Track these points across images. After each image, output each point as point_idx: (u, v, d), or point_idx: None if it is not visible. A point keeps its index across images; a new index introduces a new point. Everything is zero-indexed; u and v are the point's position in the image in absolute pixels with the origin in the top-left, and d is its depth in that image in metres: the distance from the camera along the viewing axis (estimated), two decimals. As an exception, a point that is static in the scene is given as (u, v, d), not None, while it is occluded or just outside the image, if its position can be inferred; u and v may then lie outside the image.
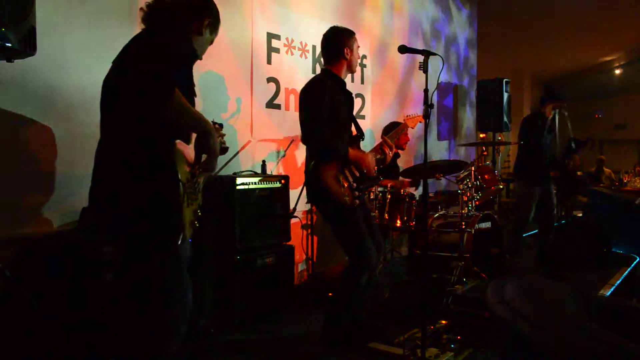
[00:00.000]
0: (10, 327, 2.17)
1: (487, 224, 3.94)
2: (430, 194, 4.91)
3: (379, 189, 3.78)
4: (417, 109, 5.46)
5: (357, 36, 2.91)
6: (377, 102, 5.17)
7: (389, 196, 3.73)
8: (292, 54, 4.18)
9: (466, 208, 3.76)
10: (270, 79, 3.98)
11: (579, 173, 8.04)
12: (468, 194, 3.79)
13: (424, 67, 2.52)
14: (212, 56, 3.40)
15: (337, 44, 2.83)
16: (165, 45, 1.61)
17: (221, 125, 2.03)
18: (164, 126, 1.60)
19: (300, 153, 3.97)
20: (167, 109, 1.50)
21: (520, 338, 1.30)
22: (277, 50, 4.04)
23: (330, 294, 3.34)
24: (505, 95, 6.65)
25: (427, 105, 2.49)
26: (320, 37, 2.91)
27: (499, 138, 6.84)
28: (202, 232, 1.82)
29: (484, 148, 6.60)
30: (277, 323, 3.20)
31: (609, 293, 3.94)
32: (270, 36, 3.98)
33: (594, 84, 13.58)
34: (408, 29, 5.77)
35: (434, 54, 2.55)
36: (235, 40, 3.68)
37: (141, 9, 1.75)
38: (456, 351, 2.70)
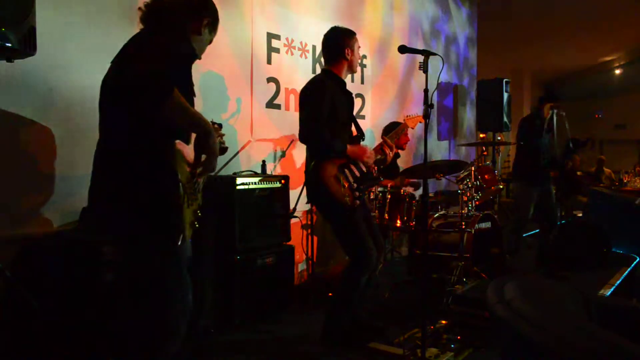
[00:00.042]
0: (10, 327, 2.17)
1: (487, 224, 3.94)
2: (430, 194, 4.92)
3: (379, 189, 3.78)
4: (417, 109, 5.46)
5: (357, 36, 2.91)
6: (377, 102, 5.17)
7: (389, 196, 3.73)
8: (292, 54, 4.18)
9: (466, 208, 3.76)
10: (270, 79, 3.98)
11: (579, 173, 8.04)
12: (468, 194, 3.79)
13: (424, 67, 2.52)
14: (212, 56, 3.40)
15: (338, 44, 2.83)
16: (165, 45, 1.61)
17: (220, 125, 2.03)
18: (164, 126, 1.60)
19: (300, 153, 3.97)
20: (167, 109, 1.50)
21: (520, 338, 1.30)
22: (277, 50, 4.04)
23: (330, 294, 3.34)
24: (505, 95, 6.65)
25: (427, 105, 2.49)
26: (320, 37, 2.91)
27: (499, 138, 6.84)
28: (202, 232, 1.82)
29: (484, 148, 6.60)
30: (277, 323, 3.20)
31: (609, 293, 3.94)
32: (270, 36, 3.98)
33: (594, 84, 13.58)
34: (408, 29, 5.77)
35: (434, 54, 2.55)
36: (235, 40, 3.68)
37: (139, 8, 1.75)
38: (456, 351, 2.70)
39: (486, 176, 4.05)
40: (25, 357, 2.16)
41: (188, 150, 1.73)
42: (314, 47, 4.38)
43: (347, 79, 2.94)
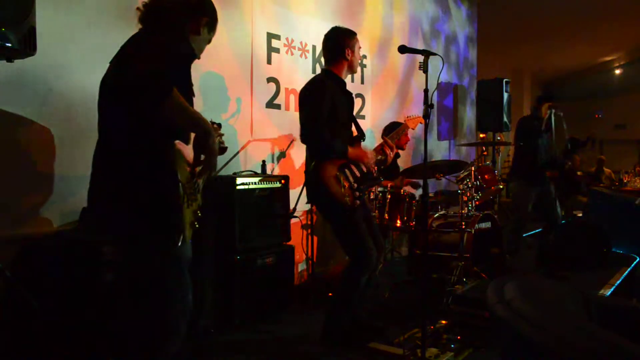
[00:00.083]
0: (10, 327, 2.17)
1: (487, 224, 3.94)
2: (430, 194, 4.92)
3: (379, 189, 3.78)
4: (417, 109, 5.46)
5: (357, 36, 2.90)
6: (377, 102, 5.17)
7: (389, 196, 3.73)
8: (292, 54, 4.18)
9: (466, 208, 3.76)
10: (270, 79, 3.98)
11: (579, 173, 8.04)
12: (468, 194, 3.79)
13: (424, 67, 2.52)
14: (212, 56, 3.41)
15: (338, 45, 2.82)
16: (164, 44, 1.61)
17: (219, 125, 2.03)
18: (163, 126, 1.60)
19: (300, 153, 3.97)
20: (166, 109, 1.50)
21: (520, 338, 1.30)
22: (277, 50, 4.04)
23: (330, 294, 3.34)
24: (505, 95, 6.65)
25: (427, 105, 2.49)
26: (320, 37, 2.91)
27: (499, 138, 6.84)
28: (202, 232, 1.82)
29: (484, 148, 6.61)
30: (277, 323, 3.20)
31: (609, 293, 3.93)
32: (270, 36, 3.98)
33: (594, 84, 13.59)
34: (408, 29, 5.77)
35: (434, 54, 2.55)
36: (235, 40, 3.68)
37: (138, 8, 1.74)
38: (456, 351, 2.70)
39: (486, 176, 4.05)
40: (25, 357, 2.16)
41: (188, 150, 1.73)
42: (314, 47, 4.38)
43: (347, 79, 2.94)
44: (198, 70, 3.32)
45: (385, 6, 5.35)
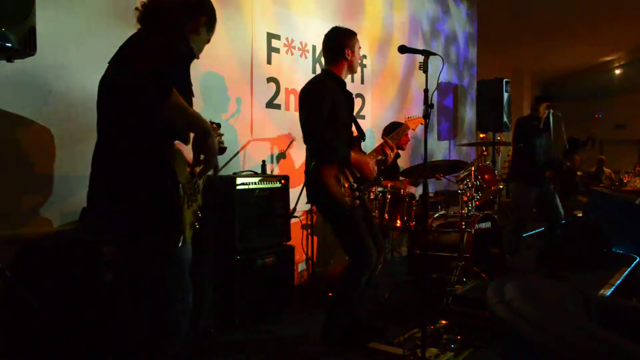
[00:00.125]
0: (10, 327, 2.17)
1: (487, 224, 3.94)
2: (430, 194, 4.92)
3: (379, 189, 3.78)
4: (418, 109, 5.47)
5: (357, 37, 2.90)
6: (377, 102, 5.17)
7: (389, 196, 3.73)
8: (292, 54, 4.18)
9: (466, 208, 3.76)
10: (270, 79, 3.98)
11: (579, 173, 8.04)
12: (468, 194, 3.79)
13: (424, 67, 2.52)
14: (212, 56, 3.42)
15: (338, 45, 2.82)
16: (163, 44, 1.60)
17: (219, 125, 2.03)
18: (163, 126, 1.59)
19: (300, 153, 3.97)
20: (165, 109, 1.50)
21: (520, 338, 1.30)
22: (277, 50, 4.04)
23: (330, 294, 3.34)
24: (505, 95, 6.65)
25: (427, 105, 2.49)
26: (320, 37, 2.91)
27: (499, 138, 6.84)
28: (202, 232, 1.82)
29: (484, 148, 6.60)
30: (277, 323, 3.20)
31: (609, 293, 3.94)
32: (270, 36, 3.98)
33: (594, 84, 13.58)
34: (408, 29, 5.77)
35: (434, 54, 2.56)
36: (235, 40, 3.68)
37: (136, 8, 1.74)
38: (456, 351, 2.70)
39: (486, 176, 4.05)
40: (25, 357, 2.16)
41: (187, 151, 1.73)
42: (314, 47, 4.38)
43: (347, 79, 2.94)
44: (198, 70, 3.31)
45: (385, 6, 5.35)
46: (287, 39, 4.12)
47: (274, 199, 3.36)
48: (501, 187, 4.35)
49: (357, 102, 4.67)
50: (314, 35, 4.29)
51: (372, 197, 3.75)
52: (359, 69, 3.74)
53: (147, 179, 1.60)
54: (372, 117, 5.05)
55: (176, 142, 1.67)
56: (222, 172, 3.35)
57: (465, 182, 3.80)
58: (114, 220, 1.67)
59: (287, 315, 3.32)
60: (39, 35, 2.12)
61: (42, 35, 2.19)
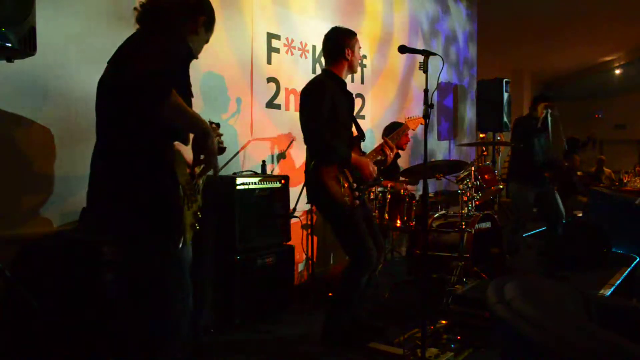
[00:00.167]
0: (10, 327, 2.17)
1: (487, 224, 3.94)
2: (430, 194, 4.92)
3: (379, 189, 3.78)
4: (418, 109, 5.47)
5: (357, 37, 2.90)
6: (377, 102, 5.17)
7: (389, 196, 3.73)
8: (292, 54, 4.18)
9: (466, 208, 3.76)
10: (270, 79, 3.98)
11: (579, 173, 8.04)
12: (468, 194, 3.79)
13: (424, 67, 2.52)
14: (212, 56, 3.42)
15: (338, 45, 2.83)
16: (163, 45, 1.60)
17: (218, 125, 2.03)
18: (163, 126, 1.59)
19: (300, 153, 3.97)
20: (165, 109, 1.50)
21: (520, 338, 1.30)
22: (277, 50, 4.04)
23: (330, 294, 3.34)
24: (505, 95, 6.65)
25: (427, 105, 2.49)
26: (320, 37, 2.91)
27: (499, 138, 6.84)
28: (202, 232, 1.82)
29: (484, 148, 6.61)
30: (277, 323, 3.20)
31: (609, 293, 3.94)
32: (270, 36, 3.98)
33: (594, 84, 13.59)
34: (408, 29, 5.77)
35: (434, 54, 2.56)
36: (235, 40, 3.68)
37: (135, 8, 1.74)
38: (456, 351, 2.70)
39: (486, 176, 4.05)
40: (25, 357, 2.16)
41: (187, 151, 1.73)
42: (314, 47, 4.38)
43: (347, 79, 2.94)
44: (198, 70, 3.32)
45: (385, 6, 5.35)
46: (287, 39, 4.12)
47: (274, 199, 3.36)
48: (501, 187, 4.35)
49: (357, 102, 4.66)
50: (314, 35, 4.29)
51: (372, 197, 3.75)
52: (359, 69, 3.75)
53: (147, 179, 1.60)
54: (372, 117, 5.05)
55: (176, 142, 1.67)
56: (222, 172, 3.35)
57: (465, 182, 3.80)
58: (114, 220, 1.66)
59: (287, 315, 3.32)
60: (39, 35, 2.12)
61: (42, 35, 2.19)
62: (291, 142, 3.95)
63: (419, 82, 5.78)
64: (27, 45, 2.06)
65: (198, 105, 3.06)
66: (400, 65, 5.61)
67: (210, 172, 1.70)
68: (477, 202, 3.91)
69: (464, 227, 3.64)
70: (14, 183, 2.50)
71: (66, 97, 2.68)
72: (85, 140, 2.15)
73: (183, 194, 1.63)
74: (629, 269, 4.71)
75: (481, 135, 7.85)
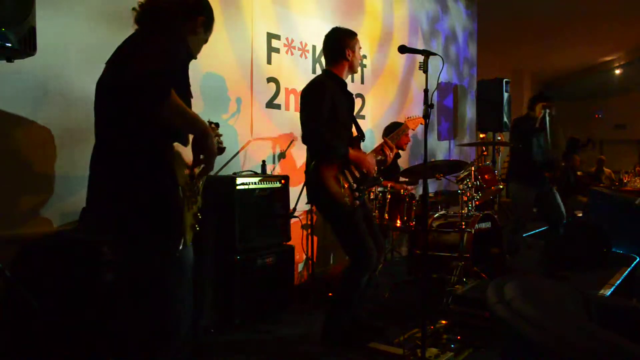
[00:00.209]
0: (10, 327, 2.17)
1: (487, 224, 3.94)
2: (430, 194, 4.92)
3: (379, 189, 3.78)
4: (418, 109, 5.47)
5: (357, 37, 2.90)
6: (377, 102, 5.17)
7: (389, 196, 3.73)
8: (292, 54, 4.18)
9: (466, 208, 3.76)
10: (270, 79, 3.98)
11: (579, 173, 8.04)
12: (468, 194, 3.79)
13: (424, 67, 2.52)
14: (212, 57, 3.42)
15: (339, 45, 2.83)
16: (162, 45, 1.60)
17: (217, 125, 2.03)
18: (162, 126, 1.59)
19: (300, 153, 3.97)
20: (165, 109, 1.50)
21: (520, 338, 1.30)
22: (277, 50, 4.04)
23: (330, 294, 3.34)
24: (505, 95, 6.65)
25: (427, 105, 2.49)
26: (320, 37, 2.91)
27: (499, 138, 6.84)
28: (202, 232, 1.82)
29: (484, 148, 6.61)
30: (277, 323, 3.20)
31: (609, 293, 3.94)
32: (270, 36, 3.98)
33: (594, 84, 13.59)
34: (408, 29, 5.77)
35: (434, 54, 2.56)
36: (235, 41, 3.68)
37: (133, 9, 1.74)
38: (456, 351, 2.70)
39: (486, 176, 4.05)
40: (25, 357, 2.15)
41: (186, 153, 1.73)
42: (314, 47, 4.38)
43: (347, 79, 2.94)
44: (198, 70, 3.32)
45: (385, 6, 5.35)
46: (287, 39, 4.12)
47: (274, 199, 3.36)
48: (501, 187, 4.35)
49: (357, 102, 4.66)
50: (314, 35, 4.29)
51: (372, 197, 3.75)
52: (359, 69, 3.75)
53: (147, 179, 1.59)
54: (372, 117, 5.05)
55: (175, 143, 1.67)
56: (222, 172, 3.35)
57: (465, 182, 3.80)
58: (114, 220, 1.66)
59: (287, 315, 3.32)
60: (38, 35, 2.12)
61: (42, 35, 2.19)
62: (291, 142, 3.95)
63: (419, 82, 5.78)
64: (27, 45, 2.06)
65: (198, 106, 3.06)
66: (400, 65, 5.61)
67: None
68: (477, 202, 3.91)
69: (464, 227, 3.64)
70: (14, 183, 2.50)
71: (66, 97, 2.68)
72: (85, 140, 2.15)
73: (182, 195, 1.63)
74: (629, 269, 4.71)
75: (481, 135, 7.85)
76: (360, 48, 2.92)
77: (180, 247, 1.64)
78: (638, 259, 5.13)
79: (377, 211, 3.72)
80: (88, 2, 2.80)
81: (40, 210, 2.61)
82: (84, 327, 2.21)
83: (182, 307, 1.72)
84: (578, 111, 13.38)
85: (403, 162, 4.97)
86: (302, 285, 3.96)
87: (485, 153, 6.67)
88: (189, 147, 1.70)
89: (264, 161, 3.67)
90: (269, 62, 3.97)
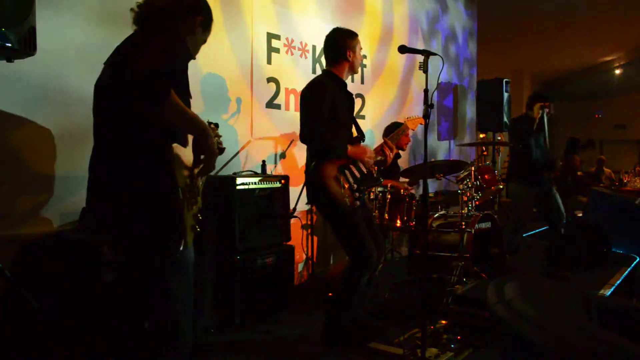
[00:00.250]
0: (10, 327, 2.17)
1: (487, 224, 3.94)
2: (430, 194, 4.92)
3: (379, 189, 3.78)
4: (418, 109, 5.47)
5: (358, 37, 2.90)
6: (377, 102, 5.17)
7: (389, 196, 3.73)
8: (292, 54, 4.18)
9: (466, 208, 3.76)
10: (270, 79, 3.98)
11: (579, 173, 8.04)
12: (468, 194, 3.79)
13: (424, 67, 2.52)
14: (212, 57, 3.42)
15: (340, 46, 2.82)
16: (162, 45, 1.60)
17: (217, 125, 2.03)
18: (162, 126, 1.59)
19: (300, 153, 3.98)
20: (165, 109, 1.50)
21: (520, 338, 1.30)
22: (277, 50, 4.04)
23: (330, 294, 3.34)
24: (505, 95, 6.65)
25: (427, 105, 2.49)
26: (320, 37, 2.91)
27: (499, 138, 6.84)
28: (202, 232, 1.82)
29: (484, 148, 6.60)
30: (277, 323, 3.20)
31: (609, 293, 3.94)
32: (270, 36, 3.98)
33: (594, 84, 13.58)
34: (408, 29, 5.77)
35: (434, 54, 2.56)
36: (235, 41, 3.68)
37: (132, 9, 1.74)
38: (456, 351, 2.70)
39: (486, 176, 4.05)
40: (25, 357, 2.15)
41: (185, 154, 1.72)
42: (314, 47, 4.38)
43: (347, 79, 2.94)
44: (198, 71, 3.32)
45: (385, 6, 5.35)
46: (287, 39, 4.12)
47: (274, 199, 3.36)
48: (501, 187, 4.35)
49: (357, 102, 4.66)
50: (314, 35, 4.29)
51: (372, 197, 3.75)
52: (359, 69, 3.75)
53: (147, 179, 1.60)
54: (372, 117, 5.05)
55: (174, 145, 1.67)
56: (222, 172, 3.35)
57: (465, 182, 3.80)
58: (114, 220, 1.66)
59: (287, 315, 3.32)
60: (38, 36, 2.12)
61: (41, 35, 2.19)
62: (291, 142, 3.95)
63: (419, 82, 5.78)
64: (27, 45, 2.06)
65: (198, 106, 3.06)
66: (400, 65, 5.61)
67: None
68: (477, 202, 3.91)
69: (464, 227, 3.64)
70: (14, 183, 2.50)
71: (66, 97, 2.68)
72: (85, 140, 2.15)
73: (182, 196, 1.63)
74: (629, 269, 4.71)
75: (481, 135, 7.84)
76: (361, 49, 2.92)
77: (181, 249, 1.63)
78: (638, 259, 5.13)
79: (377, 211, 3.72)
80: (88, 2, 2.80)
81: (40, 210, 2.61)
82: (84, 327, 2.21)
83: (182, 307, 1.72)
84: (578, 111, 13.38)
85: (403, 162, 4.97)
86: (302, 285, 3.96)
87: (485, 153, 6.66)
88: (189, 147, 1.70)
89: (264, 161, 3.67)
90: (269, 62, 3.97)
